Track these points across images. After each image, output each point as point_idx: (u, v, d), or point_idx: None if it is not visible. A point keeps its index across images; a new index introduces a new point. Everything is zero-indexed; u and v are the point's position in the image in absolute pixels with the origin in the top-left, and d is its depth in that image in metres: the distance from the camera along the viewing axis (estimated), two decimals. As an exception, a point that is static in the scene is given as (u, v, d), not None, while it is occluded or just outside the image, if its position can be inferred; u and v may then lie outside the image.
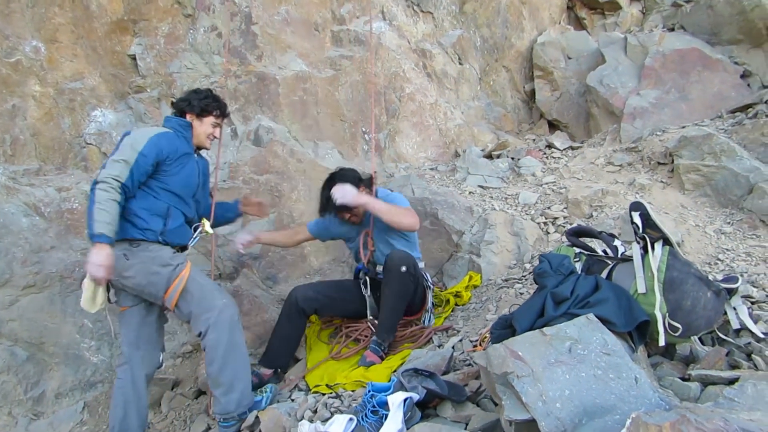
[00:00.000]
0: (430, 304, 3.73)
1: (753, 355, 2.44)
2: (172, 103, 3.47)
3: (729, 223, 4.00)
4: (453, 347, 3.22)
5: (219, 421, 2.98)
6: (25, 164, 4.39)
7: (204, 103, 3.36)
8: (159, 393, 3.98)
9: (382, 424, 2.32)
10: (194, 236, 3.40)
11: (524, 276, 3.85)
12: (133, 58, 4.82)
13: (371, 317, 3.71)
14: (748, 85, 5.51)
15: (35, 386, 3.95)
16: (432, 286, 3.83)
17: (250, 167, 4.76)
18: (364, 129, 5.42)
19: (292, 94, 5.09)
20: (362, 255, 3.69)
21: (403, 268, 3.41)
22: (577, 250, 2.86)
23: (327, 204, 3.64)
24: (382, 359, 3.34)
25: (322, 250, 4.77)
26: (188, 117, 3.36)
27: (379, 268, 3.68)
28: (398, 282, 3.41)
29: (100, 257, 2.76)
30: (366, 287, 3.71)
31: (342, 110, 5.34)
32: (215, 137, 3.47)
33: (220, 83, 4.84)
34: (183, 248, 3.29)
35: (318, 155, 5.09)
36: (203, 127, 3.37)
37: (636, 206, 2.49)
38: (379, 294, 3.61)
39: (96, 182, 2.88)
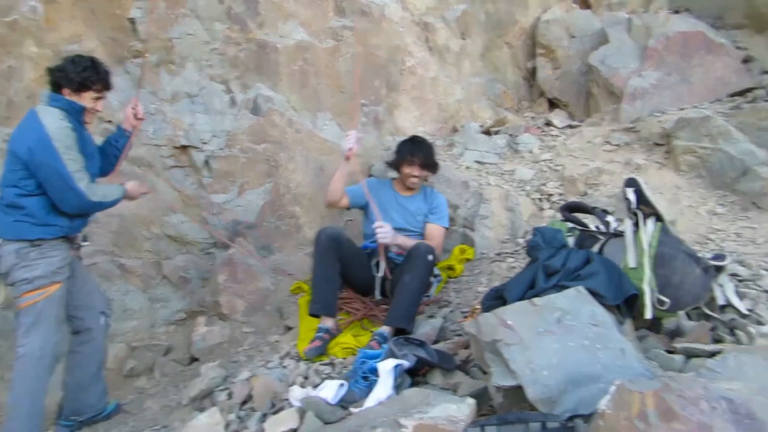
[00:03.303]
0: (431, 291, 3.77)
1: (736, 331, 2.49)
2: (49, 71, 3.14)
3: (722, 204, 4.03)
4: (444, 318, 3.27)
5: None
6: (21, 127, 4.35)
7: (82, 76, 3.06)
8: (151, 359, 4.02)
9: (372, 389, 2.36)
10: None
11: (517, 250, 3.88)
12: (133, 21, 4.75)
13: (380, 299, 3.72)
14: (749, 70, 5.49)
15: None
16: (440, 277, 3.91)
17: (247, 136, 4.74)
18: (363, 101, 5.40)
19: (293, 64, 5.05)
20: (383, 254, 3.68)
21: (430, 257, 3.43)
22: (570, 225, 2.89)
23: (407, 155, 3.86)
24: None
25: (317, 221, 4.78)
26: (64, 92, 3.08)
27: (394, 249, 3.71)
28: (424, 269, 3.39)
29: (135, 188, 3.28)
30: (378, 268, 3.68)
31: (342, 82, 5.31)
32: (98, 111, 3.22)
33: (221, 50, 4.80)
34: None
35: (317, 126, 5.07)
36: (83, 101, 3.10)
37: (630, 182, 2.52)
38: (384, 279, 3.66)
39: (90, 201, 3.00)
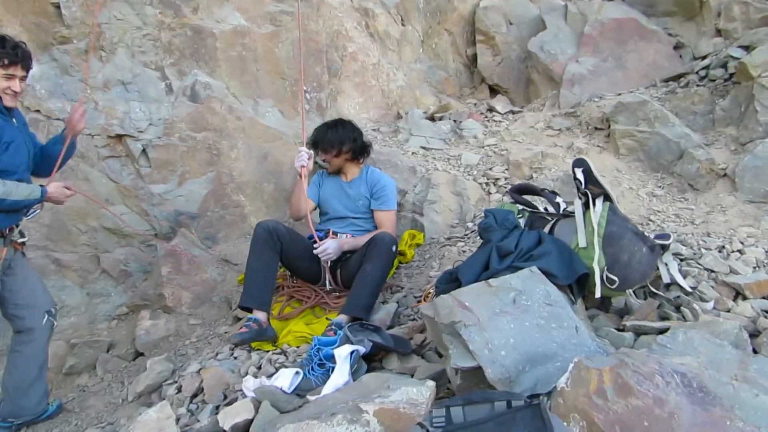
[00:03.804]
0: None
1: (682, 308, 2.57)
2: None
3: (660, 186, 4.17)
4: (397, 303, 3.25)
5: None
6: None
7: None
8: (93, 356, 3.87)
9: (328, 376, 2.32)
10: (31, 212, 3.21)
11: (467, 234, 3.91)
12: (57, 6, 4.49)
13: (331, 288, 3.66)
14: (681, 56, 5.70)
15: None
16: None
17: (186, 124, 4.58)
18: (305, 88, 5.30)
19: (231, 50, 4.90)
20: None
21: (393, 248, 3.41)
22: (520, 207, 2.92)
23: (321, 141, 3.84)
24: None
25: (262, 209, 4.69)
26: None
27: (342, 237, 3.68)
28: (387, 259, 3.37)
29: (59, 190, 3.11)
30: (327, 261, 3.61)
31: (282, 68, 5.19)
32: (14, 91, 2.92)
33: (153, 36, 4.61)
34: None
35: (258, 113, 4.95)
36: None
37: (579, 163, 2.56)
38: (331, 265, 3.62)
39: None
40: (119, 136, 4.41)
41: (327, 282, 3.66)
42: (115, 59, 4.49)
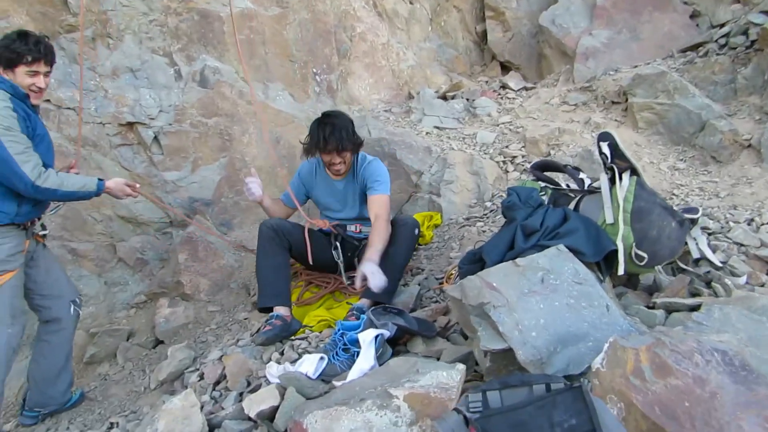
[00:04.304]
0: None
1: (712, 283, 2.51)
2: None
3: (682, 159, 4.08)
4: (419, 285, 3.20)
5: None
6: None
7: (10, 50, 2.82)
8: (113, 344, 3.87)
9: (354, 361, 2.28)
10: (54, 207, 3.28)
11: (485, 214, 3.85)
12: (63, -6, 4.46)
13: (349, 282, 3.48)
14: (697, 25, 5.56)
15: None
16: None
17: (197, 110, 4.53)
18: (315, 70, 5.23)
19: (238, 33, 4.82)
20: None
21: (416, 231, 3.34)
22: (542, 184, 2.85)
23: (320, 144, 3.34)
24: None
25: (276, 194, 4.59)
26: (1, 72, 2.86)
27: (352, 228, 3.58)
28: (410, 243, 3.30)
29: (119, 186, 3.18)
30: (338, 252, 3.50)
31: (291, 50, 5.12)
32: (39, 88, 2.93)
33: (160, 21, 4.55)
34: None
35: (269, 97, 4.89)
36: (18, 79, 2.85)
37: (604, 136, 2.48)
38: (350, 255, 3.53)
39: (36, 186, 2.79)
40: (130, 124, 4.38)
41: (343, 276, 3.54)
42: (122, 46, 4.45)
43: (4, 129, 2.71)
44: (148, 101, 4.42)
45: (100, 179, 3.11)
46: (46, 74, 2.96)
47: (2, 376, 2.93)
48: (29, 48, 2.83)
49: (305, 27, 5.18)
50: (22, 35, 2.86)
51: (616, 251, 2.33)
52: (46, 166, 2.89)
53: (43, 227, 3.19)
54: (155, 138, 4.42)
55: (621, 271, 2.36)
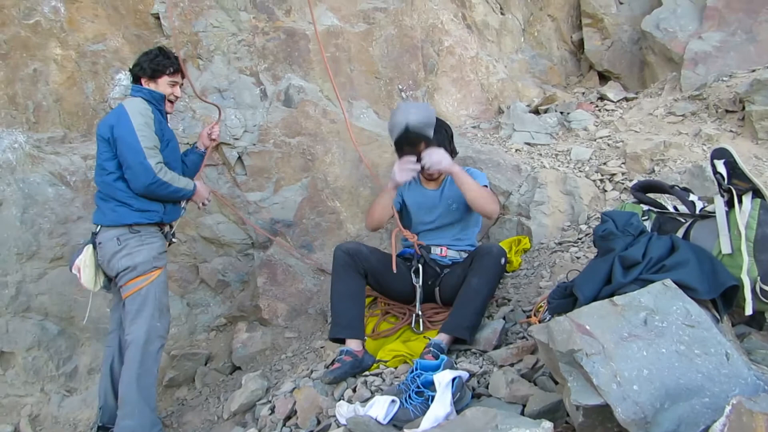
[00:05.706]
0: None
1: None
2: (130, 70, 3.37)
3: (812, 174, 3.61)
4: (504, 318, 2.93)
5: None
6: (50, 132, 4.23)
7: (155, 62, 3.24)
8: (192, 368, 3.88)
9: (428, 406, 2.07)
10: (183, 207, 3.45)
11: (580, 239, 3.54)
12: (157, 17, 4.58)
13: (420, 312, 3.23)
14: (825, 23, 4.99)
15: (67, 361, 3.88)
16: None
17: (280, 129, 4.51)
18: (400, 86, 5.10)
19: (324, 51, 4.80)
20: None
21: (503, 260, 3.07)
22: (645, 207, 2.53)
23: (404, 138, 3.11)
24: None
25: (358, 215, 4.53)
26: (143, 82, 3.27)
27: (437, 251, 3.33)
28: (495, 273, 3.03)
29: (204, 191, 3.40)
30: (417, 276, 3.24)
31: (377, 67, 5.03)
32: (177, 97, 3.39)
33: (248, 41, 4.58)
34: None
35: (353, 115, 4.80)
36: (161, 89, 3.27)
37: (720, 153, 2.15)
38: (430, 283, 3.28)
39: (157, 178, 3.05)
40: (216, 144, 4.40)
41: (418, 306, 3.24)
42: (211, 67, 4.53)
43: (142, 124, 3.05)
44: (233, 121, 4.44)
45: (194, 181, 3.37)
46: (181, 85, 3.41)
47: (154, 370, 3.13)
48: (171, 61, 3.28)
49: (391, 43, 5.07)
50: (162, 51, 3.31)
51: (735, 287, 1.99)
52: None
53: (173, 235, 3.42)
54: (239, 158, 4.42)
55: (749, 311, 2.02)
